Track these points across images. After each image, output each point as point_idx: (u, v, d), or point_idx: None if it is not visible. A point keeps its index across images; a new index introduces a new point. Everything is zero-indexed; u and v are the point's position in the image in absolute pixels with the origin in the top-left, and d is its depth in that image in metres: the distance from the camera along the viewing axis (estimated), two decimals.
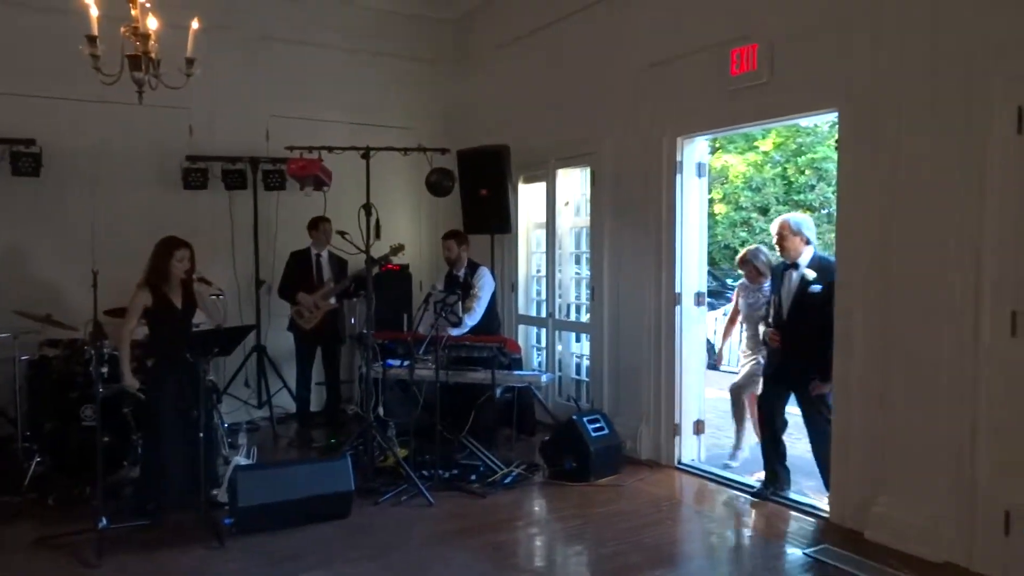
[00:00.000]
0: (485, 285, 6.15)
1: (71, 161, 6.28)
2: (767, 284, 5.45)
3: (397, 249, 5.89)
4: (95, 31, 3.71)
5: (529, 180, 7.20)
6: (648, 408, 5.82)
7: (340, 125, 7.16)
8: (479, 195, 6.79)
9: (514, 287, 7.38)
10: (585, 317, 6.81)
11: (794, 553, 4.19)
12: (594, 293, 6.38)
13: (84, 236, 6.24)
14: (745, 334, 5.87)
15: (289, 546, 4.21)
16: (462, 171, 6.82)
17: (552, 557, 4.41)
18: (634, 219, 5.92)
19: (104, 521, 4.08)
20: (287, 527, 4.38)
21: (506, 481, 5.26)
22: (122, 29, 3.82)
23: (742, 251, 5.92)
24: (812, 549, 4.19)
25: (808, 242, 4.86)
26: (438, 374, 5.27)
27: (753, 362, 5.67)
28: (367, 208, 5.43)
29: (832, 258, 4.73)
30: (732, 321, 6.31)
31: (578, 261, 7.03)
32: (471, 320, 5.94)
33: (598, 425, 5.50)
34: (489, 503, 4.94)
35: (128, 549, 4.12)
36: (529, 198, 7.29)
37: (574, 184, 6.96)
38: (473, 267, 6.23)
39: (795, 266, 4.85)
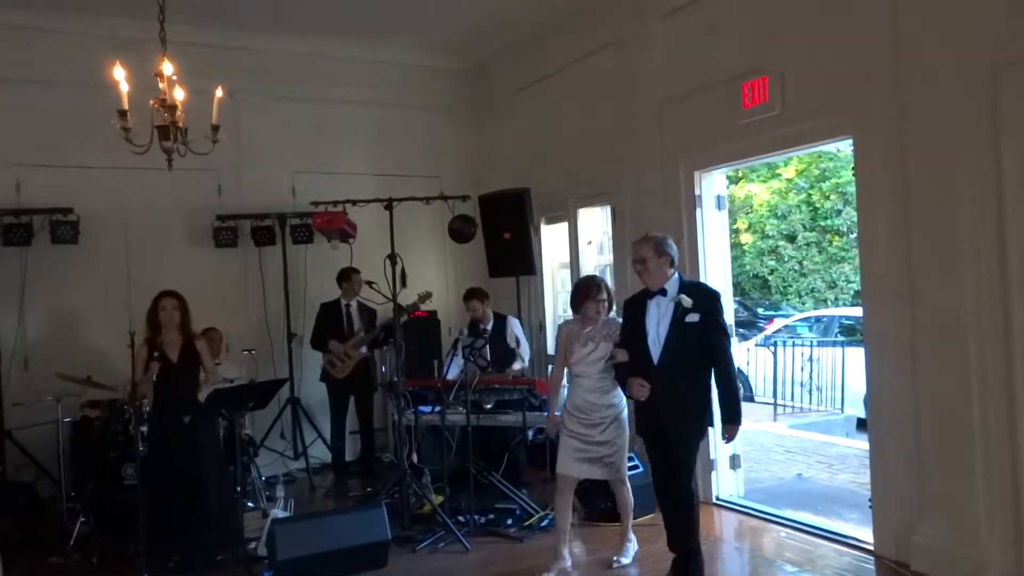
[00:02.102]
0: (519, 330, 6.45)
1: (107, 227, 6.49)
2: (605, 319, 4.36)
3: (425, 296, 5.99)
4: (125, 105, 3.89)
5: (551, 221, 7.28)
6: None
7: (364, 177, 7.33)
8: (502, 239, 6.87)
9: (542, 327, 7.40)
10: None
11: None
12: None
13: (121, 298, 6.43)
14: (578, 392, 4.45)
15: None
16: (484, 216, 6.92)
17: None
18: None
19: None
20: None
21: (543, 524, 5.22)
22: (151, 101, 3.99)
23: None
24: None
25: (673, 264, 4.06)
26: (469, 418, 5.30)
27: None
28: (392, 257, 5.53)
29: (701, 282, 4.40)
30: (560, 374, 4.68)
31: None
32: (526, 356, 6.35)
33: (632, 463, 5.43)
34: (526, 547, 4.91)
35: None
36: (552, 239, 7.36)
37: (596, 223, 7.02)
38: (500, 319, 6.33)
39: (662, 293, 4.01)
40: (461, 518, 5.20)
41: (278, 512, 5.05)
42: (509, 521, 5.28)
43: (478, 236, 6.84)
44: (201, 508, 4.53)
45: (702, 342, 3.90)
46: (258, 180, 7.13)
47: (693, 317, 3.89)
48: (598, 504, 5.30)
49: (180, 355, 4.68)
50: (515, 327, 6.34)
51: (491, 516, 5.34)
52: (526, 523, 5.22)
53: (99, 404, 5.52)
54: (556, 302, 7.47)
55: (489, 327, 6.20)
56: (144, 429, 4.75)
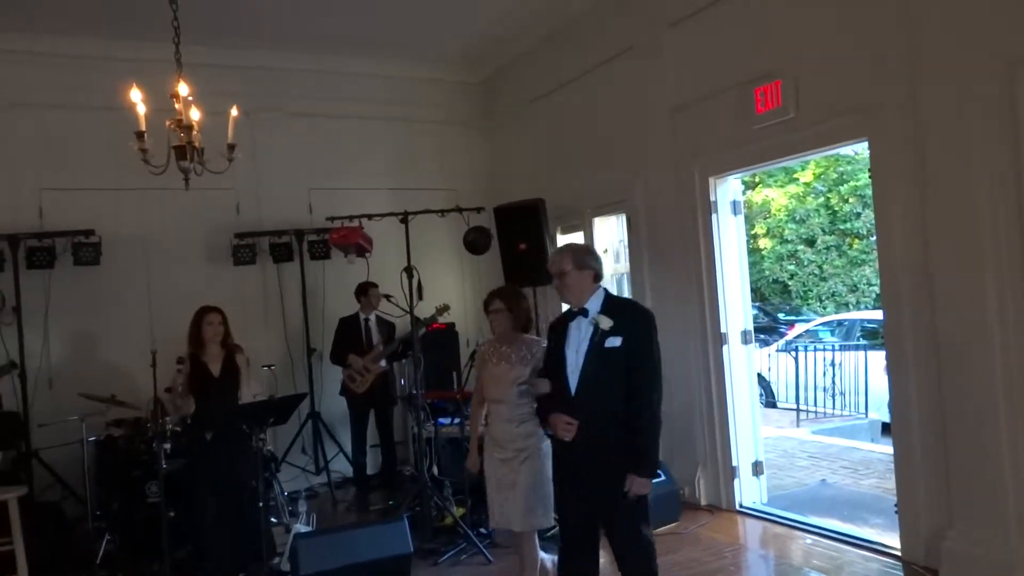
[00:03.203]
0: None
1: (128, 248, 6.58)
2: (530, 338, 3.87)
3: (443, 309, 6.01)
4: (143, 127, 3.95)
5: (567, 231, 7.28)
6: (703, 452, 5.73)
7: (379, 192, 7.38)
8: (518, 249, 6.86)
9: None
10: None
11: None
12: None
13: (143, 317, 6.50)
14: (495, 422, 3.88)
15: None
16: (499, 227, 6.93)
17: None
18: (673, 262, 5.92)
19: None
20: None
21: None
22: (167, 122, 4.05)
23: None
24: None
25: (597, 278, 3.44)
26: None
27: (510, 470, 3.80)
28: (409, 271, 5.56)
29: (630, 299, 3.69)
30: (480, 403, 4.01)
31: None
32: None
33: None
34: (549, 559, 4.87)
35: None
36: None
37: (611, 231, 7.01)
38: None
39: (583, 313, 3.36)
40: (483, 530, 5.19)
41: (301, 527, 5.07)
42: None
43: (494, 247, 6.84)
44: (247, 515, 4.57)
45: (626, 370, 3.23)
46: (275, 197, 7.20)
47: (614, 341, 3.22)
48: None
49: (222, 369, 4.76)
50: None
51: None
52: (548, 533, 5.19)
53: (123, 423, 5.58)
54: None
55: None
56: (167, 447, 4.80)
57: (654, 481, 5.22)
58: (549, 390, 3.43)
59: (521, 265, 6.92)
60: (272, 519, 5.25)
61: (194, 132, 4.01)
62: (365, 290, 6.72)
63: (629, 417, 3.21)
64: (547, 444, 3.62)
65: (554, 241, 7.13)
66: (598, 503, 3.29)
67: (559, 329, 3.46)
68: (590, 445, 3.24)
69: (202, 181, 4.56)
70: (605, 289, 3.44)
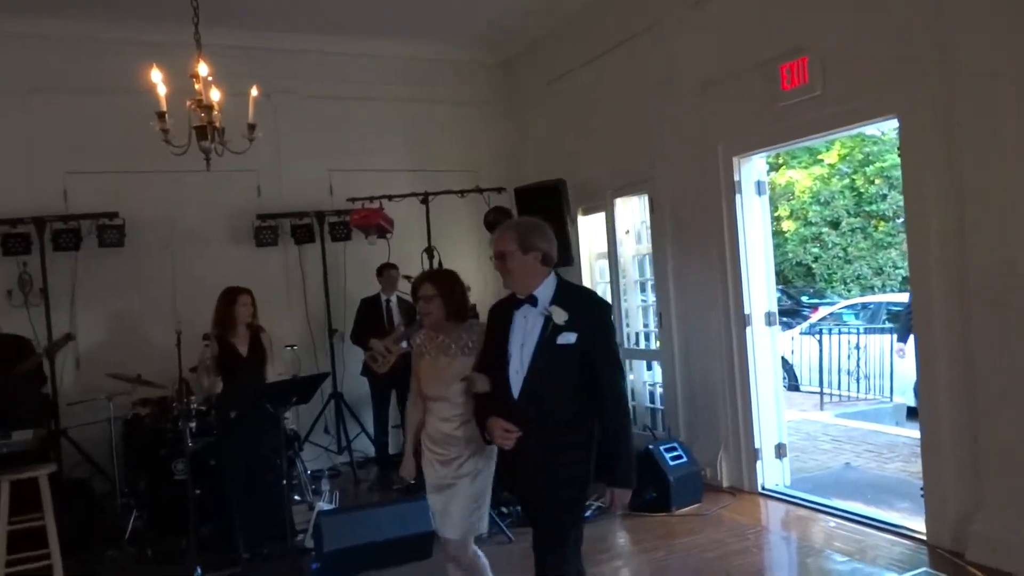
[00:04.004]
0: None
1: (151, 230, 6.63)
2: (470, 324, 3.32)
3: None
4: (164, 108, 3.97)
5: (588, 212, 7.23)
6: (726, 434, 5.69)
7: (399, 173, 7.36)
8: None
9: None
10: (654, 344, 6.75)
11: None
12: (661, 320, 6.32)
13: (167, 298, 6.56)
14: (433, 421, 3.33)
15: None
16: (520, 208, 6.89)
17: None
18: (696, 242, 5.86)
19: (198, 571, 4.25)
20: (371, 569, 4.44)
21: (586, 515, 5.18)
22: (188, 103, 4.06)
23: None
24: (910, 574, 3.99)
25: (547, 261, 2.91)
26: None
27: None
28: (429, 251, 5.55)
29: (585, 288, 3.15)
30: (417, 402, 3.45)
31: (643, 289, 6.99)
32: None
33: (676, 453, 5.41)
34: None
35: None
36: (589, 229, 7.31)
37: (633, 212, 6.95)
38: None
39: (531, 301, 2.89)
40: (504, 509, 5.20)
41: (324, 505, 5.11)
42: None
43: None
44: (275, 492, 4.63)
45: (581, 371, 2.81)
46: (296, 179, 7.21)
47: (568, 337, 2.78)
48: (644, 493, 5.26)
49: (249, 349, 4.81)
50: None
51: None
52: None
53: (149, 402, 5.66)
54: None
55: None
56: (192, 425, 4.85)
57: (676, 464, 5.33)
58: (488, 388, 2.92)
59: None
60: (295, 497, 5.31)
61: (214, 112, 4.02)
62: (383, 271, 6.73)
63: (600, 423, 2.80)
64: (492, 447, 3.15)
65: (575, 222, 7.10)
66: (538, 520, 2.93)
67: (502, 317, 2.94)
68: (534, 455, 2.80)
69: (223, 163, 4.58)
70: (557, 275, 2.93)
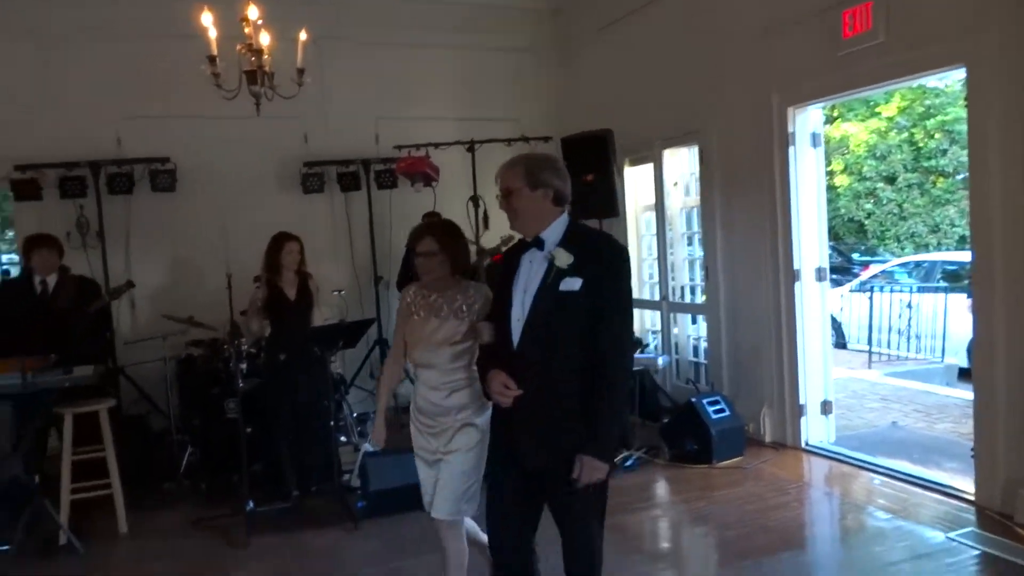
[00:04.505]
0: None
1: (201, 175, 6.72)
2: (469, 285, 3.04)
3: (507, 240, 5.95)
4: (214, 51, 3.98)
5: (635, 163, 7.13)
6: (771, 389, 5.65)
7: (446, 121, 7.31)
8: (585, 181, 6.75)
9: None
10: (700, 298, 6.69)
11: (935, 537, 3.97)
12: (708, 273, 6.24)
13: (217, 243, 6.67)
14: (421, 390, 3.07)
15: (417, 527, 4.37)
16: (566, 158, 6.78)
17: (676, 539, 4.38)
18: (747, 196, 5.74)
19: (251, 505, 4.41)
20: (415, 509, 4.54)
21: (627, 464, 5.24)
22: (238, 47, 4.07)
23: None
24: (956, 533, 3.95)
25: (559, 200, 2.62)
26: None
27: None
28: (475, 200, 5.54)
29: (602, 232, 2.91)
30: (396, 363, 3.25)
31: (690, 242, 6.90)
32: None
33: (719, 407, 5.40)
34: (610, 486, 4.91)
35: (272, 530, 4.42)
36: (636, 181, 7.21)
37: (682, 163, 6.83)
38: None
39: (538, 245, 2.61)
40: None
41: (368, 447, 5.24)
42: None
43: None
44: (304, 439, 4.77)
45: (586, 322, 2.49)
46: (342, 127, 7.21)
47: (572, 283, 2.49)
48: (686, 445, 5.28)
49: (297, 294, 4.91)
50: None
51: None
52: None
53: (201, 343, 5.82)
54: (640, 246, 7.35)
55: None
56: (243, 366, 4.98)
57: (718, 417, 5.32)
58: (492, 338, 2.69)
59: (587, 197, 6.83)
60: (341, 438, 5.44)
61: (264, 56, 4.02)
62: (425, 220, 6.74)
63: (592, 378, 2.46)
64: (485, 418, 2.89)
65: (622, 173, 6.99)
66: (540, 490, 2.60)
67: (510, 262, 2.71)
68: (533, 413, 2.52)
69: (272, 109, 4.60)
70: (570, 215, 2.65)
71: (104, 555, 4.29)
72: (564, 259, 2.50)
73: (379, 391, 3.20)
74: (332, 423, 4.80)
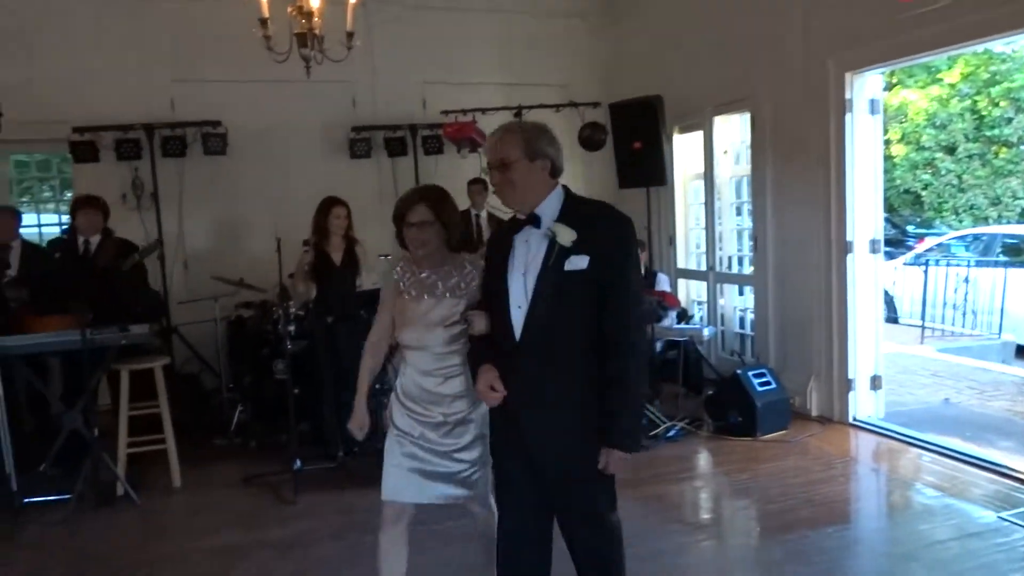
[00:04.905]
0: (667, 285, 6.42)
1: (252, 139, 6.81)
2: (467, 263, 2.74)
3: None
4: (266, 13, 4.00)
5: (684, 130, 6.99)
6: (818, 362, 5.55)
7: (493, 87, 7.26)
8: (633, 148, 6.66)
9: (671, 241, 7.24)
10: (748, 269, 6.58)
11: (986, 517, 3.88)
12: (757, 244, 6.13)
13: (266, 206, 6.78)
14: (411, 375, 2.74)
15: None
16: (615, 124, 6.72)
17: (718, 510, 4.36)
18: (799, 164, 5.60)
19: (298, 463, 4.53)
20: None
21: (669, 435, 5.23)
22: (289, 9, 4.08)
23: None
24: (1008, 513, 3.86)
25: (555, 172, 2.42)
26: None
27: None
28: None
29: (601, 202, 2.49)
30: (379, 343, 2.87)
31: (739, 212, 6.78)
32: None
33: (764, 379, 5.33)
34: (652, 456, 4.94)
35: (319, 489, 4.53)
36: (685, 149, 7.09)
37: (732, 131, 6.68)
38: (649, 273, 6.31)
39: (534, 222, 2.38)
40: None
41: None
42: None
43: (608, 145, 6.67)
44: (348, 401, 4.85)
45: (595, 304, 2.31)
46: (390, 92, 7.22)
47: (578, 262, 2.29)
48: (729, 417, 5.24)
49: (343, 259, 4.98)
50: (663, 283, 6.27)
51: None
52: (651, 433, 5.24)
53: (251, 305, 5.94)
54: (687, 215, 7.25)
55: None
56: (291, 328, 5.08)
57: (764, 389, 5.25)
58: (486, 328, 2.47)
59: (635, 164, 6.74)
60: (385, 401, 5.52)
61: (314, 19, 4.02)
62: (475, 185, 6.73)
63: (604, 367, 2.30)
64: (483, 411, 2.66)
65: (671, 140, 6.87)
66: (548, 480, 2.41)
67: (502, 245, 2.47)
68: (541, 409, 2.35)
69: (321, 74, 4.62)
70: (565, 188, 2.43)
71: (159, 507, 4.46)
72: (567, 235, 2.29)
73: (360, 374, 2.83)
74: (378, 385, 4.87)
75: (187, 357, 6.34)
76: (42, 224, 6.90)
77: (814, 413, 5.55)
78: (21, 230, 5.36)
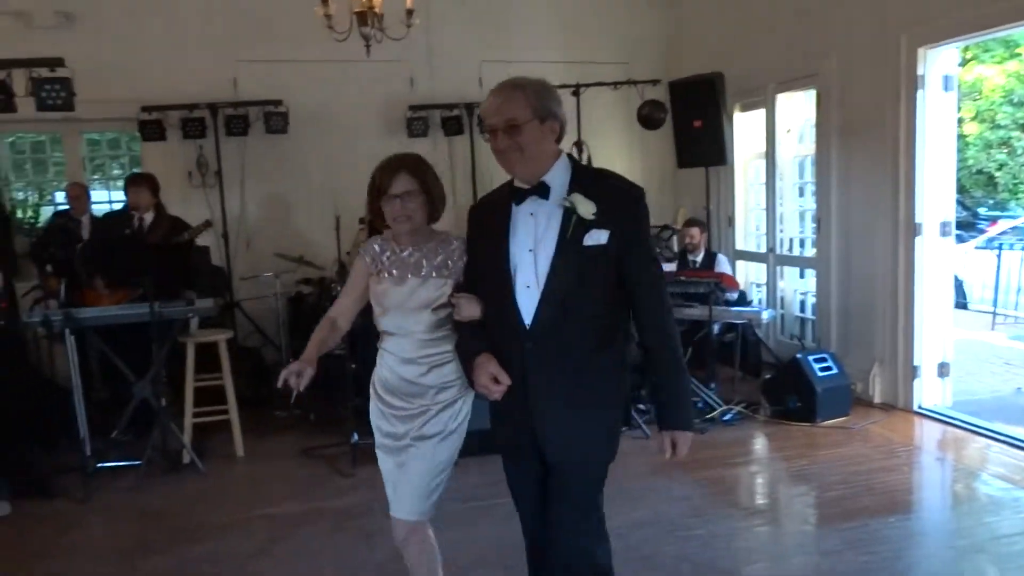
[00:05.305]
0: (727, 268, 6.30)
1: (312, 117, 6.88)
2: (449, 238, 2.49)
3: None
4: None
5: (746, 108, 6.83)
6: (883, 348, 5.39)
7: (549, 64, 7.13)
8: (692, 127, 6.56)
9: (731, 221, 7.10)
10: (810, 251, 6.42)
11: None
12: (820, 225, 5.96)
13: (326, 184, 6.87)
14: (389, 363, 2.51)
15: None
16: (674, 102, 6.61)
17: (774, 496, 4.30)
18: (867, 143, 5.41)
19: (355, 437, 4.62)
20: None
21: (725, 418, 5.17)
22: None
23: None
24: None
25: (561, 136, 2.21)
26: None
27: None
28: (578, 145, 5.46)
29: (608, 171, 2.33)
30: (331, 326, 2.60)
31: (801, 192, 6.60)
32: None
33: (825, 364, 5.22)
34: (707, 439, 4.89)
35: (375, 462, 4.57)
36: (746, 127, 6.92)
37: (796, 109, 6.49)
38: (710, 254, 6.19)
39: (540, 191, 2.15)
40: (641, 406, 5.24)
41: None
42: None
43: (667, 123, 6.56)
44: None
45: (616, 281, 2.13)
46: (447, 71, 7.21)
47: (598, 236, 2.08)
48: (788, 402, 5.14)
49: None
50: (723, 264, 6.17)
51: None
52: (708, 416, 5.19)
53: (311, 281, 6.06)
54: (748, 194, 7.09)
55: (698, 259, 6.07)
56: None
57: (824, 375, 5.13)
58: (479, 314, 2.23)
59: (695, 143, 6.64)
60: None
61: None
62: None
63: (646, 349, 2.16)
64: (468, 400, 2.46)
65: (731, 118, 6.73)
66: (563, 481, 2.20)
67: (493, 218, 2.20)
68: (557, 400, 2.12)
69: (379, 53, 4.65)
70: (569, 155, 2.24)
71: (223, 475, 4.61)
72: (586, 207, 2.06)
73: (310, 341, 2.49)
74: None
75: (249, 331, 6.51)
76: (112, 201, 7.13)
77: (877, 400, 5.41)
78: (92, 206, 5.56)
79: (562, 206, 2.10)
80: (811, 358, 5.22)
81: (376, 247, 2.50)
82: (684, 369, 2.20)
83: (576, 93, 5.91)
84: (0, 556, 3.64)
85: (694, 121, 6.51)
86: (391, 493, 2.52)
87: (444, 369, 2.40)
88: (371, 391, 2.53)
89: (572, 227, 2.08)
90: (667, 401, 2.18)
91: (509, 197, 2.19)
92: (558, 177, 2.15)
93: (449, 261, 2.41)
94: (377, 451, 2.56)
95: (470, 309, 2.23)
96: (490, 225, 2.21)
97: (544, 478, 2.24)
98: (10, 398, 4.25)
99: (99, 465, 4.48)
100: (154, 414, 4.63)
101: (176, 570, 3.49)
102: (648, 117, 6.39)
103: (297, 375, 2.33)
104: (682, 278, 5.57)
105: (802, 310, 6.60)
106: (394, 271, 2.43)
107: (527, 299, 2.11)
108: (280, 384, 2.35)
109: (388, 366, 2.47)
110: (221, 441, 4.91)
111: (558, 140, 2.19)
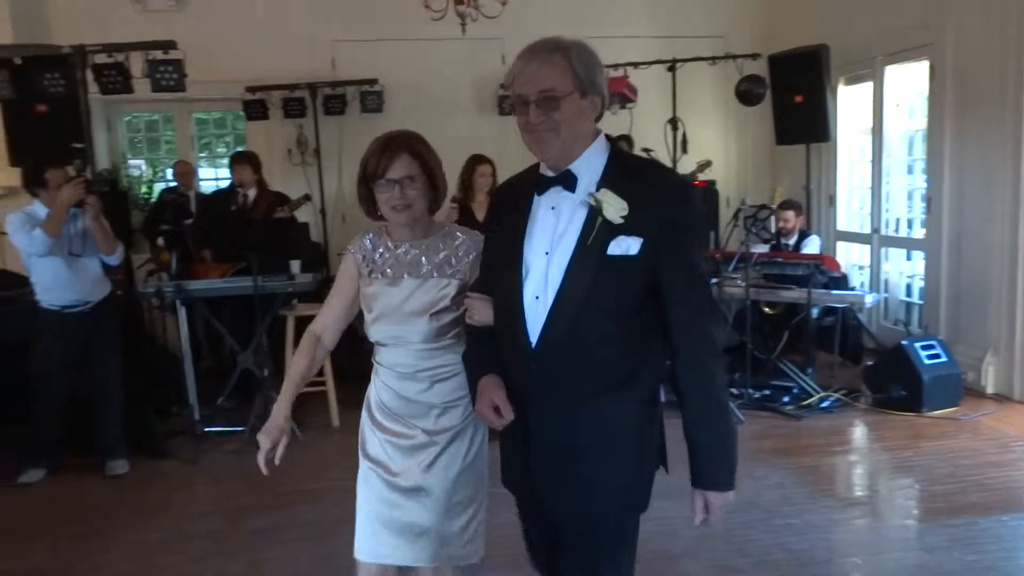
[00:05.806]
0: (818, 249, 6.06)
1: (405, 96, 6.98)
2: (455, 233, 2.15)
3: (704, 165, 5.77)
4: None
5: (851, 82, 6.53)
6: (997, 336, 5.09)
7: (644, 40, 7.04)
8: (793, 102, 6.32)
9: (832, 200, 6.82)
10: (918, 232, 6.10)
11: None
12: (930, 205, 5.65)
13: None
14: (386, 379, 2.16)
15: None
16: (774, 77, 6.38)
17: (875, 487, 4.13)
18: (986, 119, 5.08)
19: None
20: None
21: (823, 405, 4.99)
22: None
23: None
24: None
25: (601, 115, 1.74)
26: (748, 292, 5.11)
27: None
28: (673, 123, 5.34)
29: (654, 161, 2.09)
30: (313, 343, 2.25)
31: (910, 170, 6.27)
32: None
33: (933, 352, 4.96)
34: (804, 426, 4.74)
35: None
36: (850, 102, 6.61)
37: (906, 82, 6.14)
38: (802, 235, 5.96)
39: (566, 182, 1.71)
40: (734, 391, 5.12)
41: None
42: (786, 399, 5.10)
43: (766, 100, 6.34)
44: None
45: (648, 302, 1.68)
46: None
47: (627, 244, 1.63)
48: (891, 390, 4.93)
49: (487, 216, 5.06)
50: (813, 245, 5.96)
51: (767, 392, 5.20)
52: (804, 403, 5.03)
53: None
54: (851, 173, 6.79)
55: (791, 242, 5.88)
56: None
57: (932, 363, 4.88)
58: (490, 320, 1.82)
59: (796, 119, 6.41)
60: None
61: None
62: (621, 142, 6.61)
63: (679, 387, 1.69)
64: (480, 427, 2.09)
65: (835, 93, 6.44)
66: (563, 541, 1.81)
67: (513, 205, 1.81)
68: (559, 442, 1.72)
69: (473, 30, 4.65)
70: (608, 137, 1.77)
71: (320, 443, 4.78)
72: (616, 207, 1.62)
73: (287, 376, 2.16)
74: None
75: None
76: (218, 178, 7.46)
77: (990, 391, 5.12)
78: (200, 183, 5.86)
79: (587, 203, 1.66)
80: (918, 345, 4.98)
81: (368, 243, 2.12)
82: (725, 416, 1.74)
83: (672, 69, 5.78)
84: (123, 509, 3.92)
85: (795, 96, 6.28)
86: (367, 532, 2.08)
87: (448, 384, 2.03)
88: (363, 413, 2.15)
89: (596, 230, 1.63)
90: (700, 455, 1.71)
91: (534, 182, 1.76)
92: (591, 165, 1.70)
93: (453, 258, 2.05)
94: (359, 476, 2.13)
95: (484, 312, 1.82)
96: (509, 215, 1.80)
97: (546, 525, 1.85)
98: (130, 365, 4.53)
99: (206, 429, 4.74)
100: (257, 383, 4.84)
101: (277, 528, 3.66)
102: (747, 93, 6.19)
103: (272, 448, 2.05)
104: (779, 259, 5.39)
105: (908, 294, 6.30)
106: (388, 270, 2.07)
107: (535, 313, 1.69)
108: (264, 468, 2.05)
109: (384, 383, 2.09)
110: (318, 411, 5.09)
111: (598, 118, 1.73)
